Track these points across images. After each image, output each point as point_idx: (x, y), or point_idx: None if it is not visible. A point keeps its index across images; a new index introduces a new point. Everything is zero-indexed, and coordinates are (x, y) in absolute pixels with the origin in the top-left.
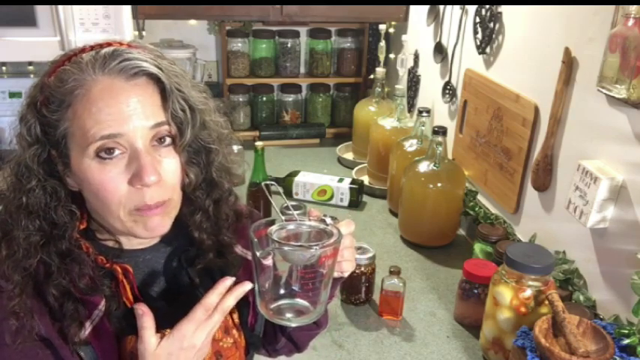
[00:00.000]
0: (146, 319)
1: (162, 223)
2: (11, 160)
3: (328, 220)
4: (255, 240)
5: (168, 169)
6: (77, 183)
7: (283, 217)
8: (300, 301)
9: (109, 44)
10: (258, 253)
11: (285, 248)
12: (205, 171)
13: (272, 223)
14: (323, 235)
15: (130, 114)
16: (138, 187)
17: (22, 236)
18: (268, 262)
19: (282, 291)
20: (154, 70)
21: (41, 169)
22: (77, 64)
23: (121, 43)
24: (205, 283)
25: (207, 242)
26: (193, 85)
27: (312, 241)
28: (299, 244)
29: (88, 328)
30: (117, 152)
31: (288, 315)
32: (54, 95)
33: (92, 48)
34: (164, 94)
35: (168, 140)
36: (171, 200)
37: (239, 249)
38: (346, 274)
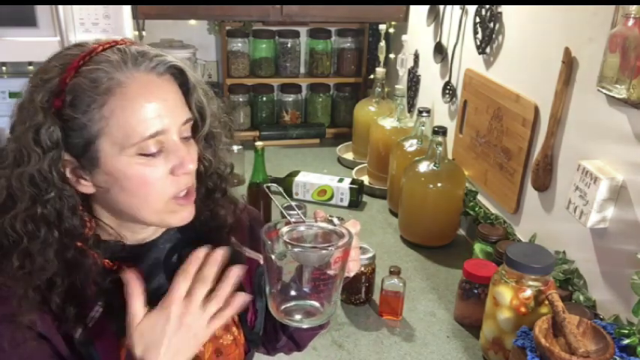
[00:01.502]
0: (133, 285)
1: (191, 213)
2: (19, 170)
3: (335, 221)
4: (269, 242)
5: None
6: (107, 183)
7: (292, 219)
8: (312, 302)
9: (123, 42)
10: (273, 256)
11: (300, 250)
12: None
13: (282, 224)
14: (331, 235)
15: (168, 109)
16: (177, 176)
17: (36, 248)
18: (280, 263)
19: (293, 292)
20: (180, 64)
21: (60, 177)
22: (108, 62)
23: (124, 41)
24: None
25: (228, 218)
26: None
27: (319, 241)
28: (313, 245)
29: (88, 325)
30: (157, 148)
31: (299, 316)
32: (85, 95)
33: (104, 48)
34: (186, 86)
35: (190, 132)
36: (193, 186)
37: (248, 252)
38: (352, 274)
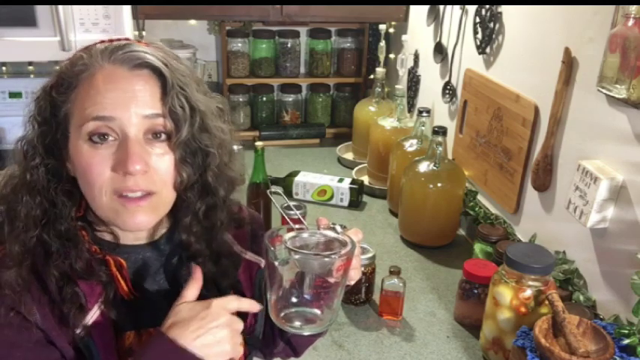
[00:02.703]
0: (197, 274)
1: (145, 220)
2: (22, 139)
3: (338, 229)
4: (272, 249)
5: (159, 164)
6: (73, 168)
7: (296, 226)
8: (313, 310)
9: (127, 39)
10: (276, 263)
11: (303, 257)
12: (200, 174)
13: (285, 230)
14: (334, 243)
15: (127, 100)
16: (121, 175)
17: (24, 211)
18: (282, 270)
19: (293, 299)
20: (157, 63)
21: (45, 149)
22: (89, 50)
23: (138, 42)
24: (206, 281)
25: (195, 246)
26: (205, 92)
27: (322, 248)
28: (317, 253)
29: (90, 317)
30: (110, 138)
31: (299, 323)
32: (63, 78)
33: (111, 41)
34: (165, 88)
35: (163, 136)
36: (159, 195)
37: (249, 255)
38: (353, 282)
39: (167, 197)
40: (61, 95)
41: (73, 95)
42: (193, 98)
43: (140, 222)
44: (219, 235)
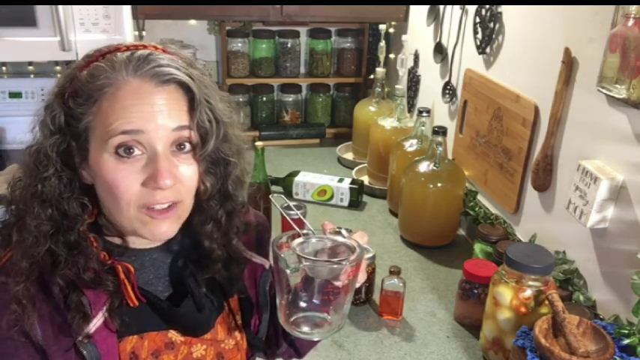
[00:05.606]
0: None
1: (170, 229)
2: (31, 146)
3: (344, 233)
4: (283, 256)
5: (185, 175)
6: (92, 177)
7: (303, 231)
8: (322, 314)
9: (144, 47)
10: (288, 271)
11: (315, 265)
12: (221, 182)
13: (292, 237)
14: (340, 247)
15: (155, 114)
16: (150, 189)
17: (34, 224)
18: (291, 276)
19: (302, 304)
20: (185, 78)
21: (59, 158)
22: (110, 62)
23: (156, 47)
24: (211, 284)
25: (217, 252)
26: (221, 98)
27: (329, 253)
28: (328, 259)
29: (93, 325)
30: (136, 152)
31: (307, 328)
32: (82, 89)
33: (128, 48)
34: (192, 102)
35: (188, 147)
36: (182, 203)
37: (257, 258)
38: (359, 284)
39: (189, 205)
40: (80, 107)
41: (94, 108)
42: (218, 110)
43: (166, 231)
44: (233, 240)
